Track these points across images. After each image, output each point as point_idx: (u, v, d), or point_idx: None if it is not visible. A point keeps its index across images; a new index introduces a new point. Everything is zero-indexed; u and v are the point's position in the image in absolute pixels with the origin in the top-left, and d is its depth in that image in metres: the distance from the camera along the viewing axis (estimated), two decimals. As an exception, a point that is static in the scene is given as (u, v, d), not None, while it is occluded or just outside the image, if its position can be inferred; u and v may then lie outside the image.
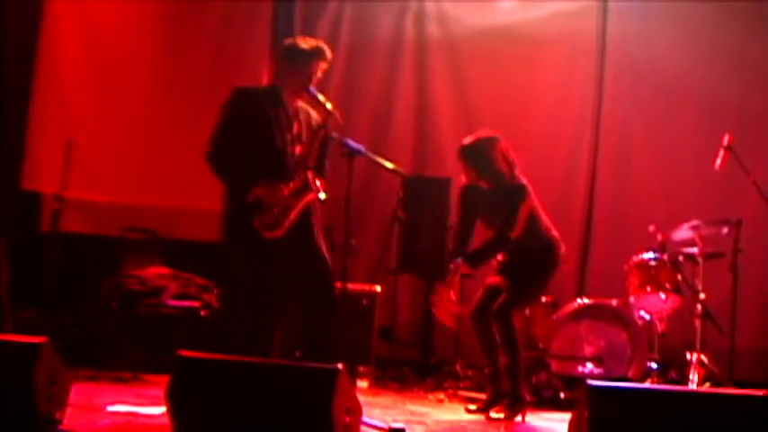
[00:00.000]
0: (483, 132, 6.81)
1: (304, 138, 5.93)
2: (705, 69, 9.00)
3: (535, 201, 6.74)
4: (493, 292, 6.76)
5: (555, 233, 6.84)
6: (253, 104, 5.90)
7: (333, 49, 9.25)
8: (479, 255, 6.67)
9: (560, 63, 9.37)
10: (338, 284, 6.06)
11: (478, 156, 6.69)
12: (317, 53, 5.89)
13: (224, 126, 5.82)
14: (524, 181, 6.71)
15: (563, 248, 6.87)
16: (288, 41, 6.13)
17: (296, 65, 5.88)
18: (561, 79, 9.28)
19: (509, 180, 6.67)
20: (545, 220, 6.82)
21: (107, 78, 8.92)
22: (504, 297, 6.64)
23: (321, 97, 5.83)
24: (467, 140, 6.77)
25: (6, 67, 8.36)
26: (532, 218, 6.69)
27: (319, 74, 5.91)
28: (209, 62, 9.19)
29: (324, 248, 5.95)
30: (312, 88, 5.86)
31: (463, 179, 6.89)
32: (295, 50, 5.93)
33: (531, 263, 6.73)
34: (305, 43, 5.96)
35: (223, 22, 9.30)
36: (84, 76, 8.89)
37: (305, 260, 5.90)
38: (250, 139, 5.80)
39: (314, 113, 6.00)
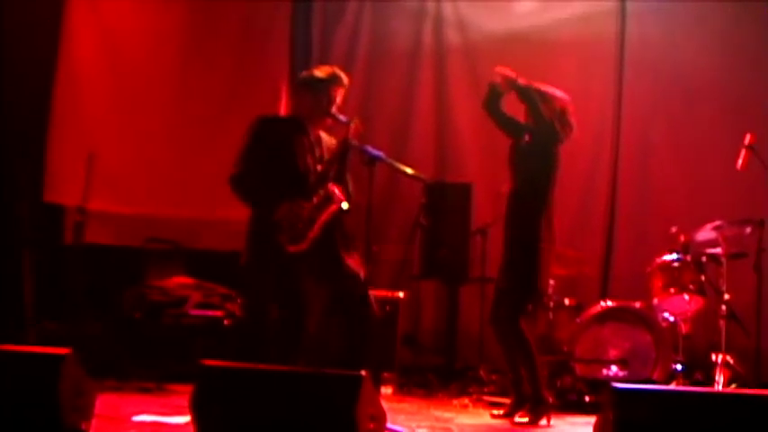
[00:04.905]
0: None
1: (325, 158, 6.05)
2: (726, 70, 8.93)
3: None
4: (500, 295, 6.73)
5: (552, 228, 6.69)
6: (276, 130, 6.05)
7: (351, 54, 9.49)
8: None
9: (580, 66, 9.31)
10: (371, 295, 6.06)
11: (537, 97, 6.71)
12: (333, 79, 6.05)
13: (247, 151, 5.92)
14: None
15: (554, 243, 6.75)
16: (304, 73, 6.30)
17: (315, 92, 6.03)
18: (581, 83, 9.17)
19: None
20: (551, 211, 6.74)
21: (127, 90, 8.96)
22: (505, 302, 6.62)
23: (343, 118, 5.97)
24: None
25: (26, 80, 8.42)
26: (546, 181, 6.67)
27: (339, 99, 6.05)
28: (228, 72, 9.23)
29: (351, 262, 5.99)
30: (334, 112, 5.99)
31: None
32: (313, 79, 6.09)
33: (521, 260, 6.60)
34: (321, 72, 6.12)
35: (241, 32, 9.34)
36: (103, 88, 8.92)
37: (332, 277, 5.96)
38: (273, 162, 5.90)
39: (333, 141, 6.12)
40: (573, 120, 6.81)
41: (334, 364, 6.02)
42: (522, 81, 6.66)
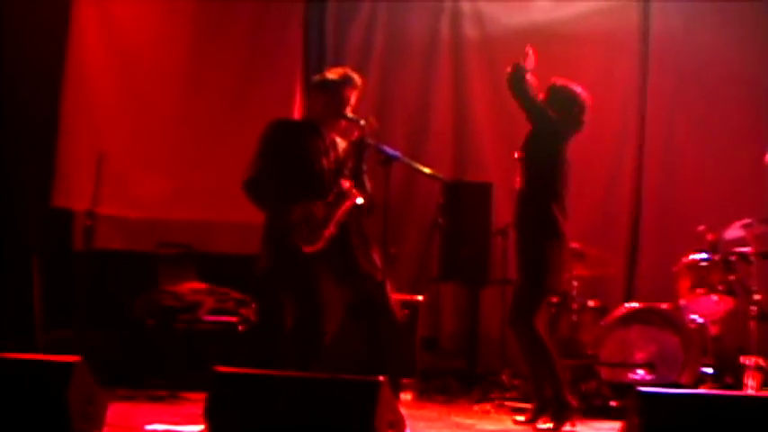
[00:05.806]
0: None
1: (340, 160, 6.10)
2: (751, 65, 8.85)
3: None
4: (514, 296, 6.62)
5: (563, 225, 6.49)
6: (290, 133, 6.10)
7: (366, 52, 9.41)
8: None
9: (601, 62, 9.22)
10: (392, 297, 6.02)
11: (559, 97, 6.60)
12: (346, 81, 6.11)
13: (261, 155, 5.96)
14: None
15: (566, 240, 6.55)
16: (316, 76, 6.38)
17: (328, 94, 6.09)
18: (602, 78, 9.08)
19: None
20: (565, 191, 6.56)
21: (137, 91, 8.95)
22: (517, 302, 6.49)
23: (356, 119, 5.99)
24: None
25: (35, 83, 8.47)
26: (556, 167, 6.51)
27: (352, 100, 6.10)
28: (239, 73, 9.17)
29: (368, 263, 5.97)
30: (347, 112, 6.03)
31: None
32: (325, 81, 6.16)
33: (529, 259, 6.46)
34: (333, 74, 6.19)
35: (253, 32, 9.29)
36: (113, 90, 8.92)
37: (349, 278, 5.94)
38: (288, 165, 5.93)
39: (345, 145, 6.15)
40: (584, 117, 6.63)
41: (354, 367, 5.94)
42: (527, 65, 6.50)
